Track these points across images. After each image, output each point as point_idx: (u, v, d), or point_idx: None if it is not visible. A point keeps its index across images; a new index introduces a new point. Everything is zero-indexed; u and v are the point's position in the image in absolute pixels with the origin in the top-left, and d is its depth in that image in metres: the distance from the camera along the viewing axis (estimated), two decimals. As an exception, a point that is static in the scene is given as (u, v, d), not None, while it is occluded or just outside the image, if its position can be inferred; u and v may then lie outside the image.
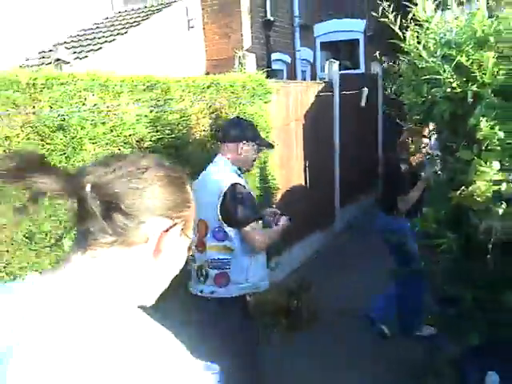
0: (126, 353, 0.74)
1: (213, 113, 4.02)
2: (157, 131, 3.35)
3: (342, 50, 11.07)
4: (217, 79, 4.11)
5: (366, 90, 7.17)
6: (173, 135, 3.49)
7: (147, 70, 3.70)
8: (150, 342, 0.78)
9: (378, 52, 2.87)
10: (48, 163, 0.84)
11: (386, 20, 2.47)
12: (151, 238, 0.87)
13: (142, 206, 0.86)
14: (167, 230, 0.89)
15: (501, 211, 2.03)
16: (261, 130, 3.69)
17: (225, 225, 2.60)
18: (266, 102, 4.76)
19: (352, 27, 10.52)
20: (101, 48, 6.69)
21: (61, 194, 0.82)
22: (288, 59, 9.80)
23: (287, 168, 5.69)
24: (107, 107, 2.99)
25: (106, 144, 2.99)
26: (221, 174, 2.67)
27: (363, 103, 7.06)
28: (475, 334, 2.46)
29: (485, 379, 2.59)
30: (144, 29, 7.32)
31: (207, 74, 6.85)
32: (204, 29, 8.49)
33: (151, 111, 3.34)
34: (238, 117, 3.15)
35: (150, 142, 3.29)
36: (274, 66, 9.03)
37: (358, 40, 10.70)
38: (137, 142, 3.21)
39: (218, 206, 2.58)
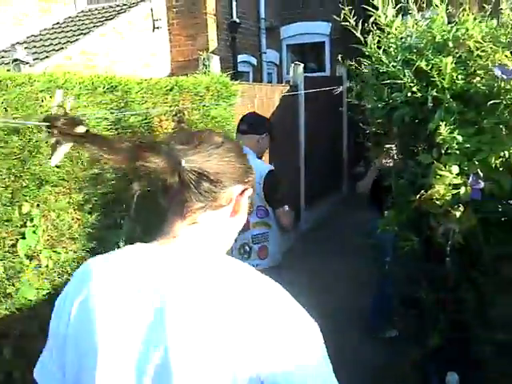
0: (251, 289, 0.96)
1: (176, 115, 3.97)
2: (118, 134, 3.28)
3: (308, 53, 11.15)
4: (180, 81, 4.06)
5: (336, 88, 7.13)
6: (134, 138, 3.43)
7: (111, 70, 3.63)
8: (259, 278, 1.00)
9: (340, 55, 2.86)
10: (157, 144, 0.98)
11: (348, 24, 2.47)
12: (232, 200, 1.06)
13: (224, 175, 1.02)
14: (241, 194, 1.07)
15: (458, 214, 2.06)
16: (226, 133, 3.72)
17: (266, 203, 2.98)
18: (230, 105, 4.72)
19: (318, 30, 10.60)
20: (62, 48, 6.54)
21: (163, 171, 0.96)
22: (254, 61, 9.80)
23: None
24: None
25: (65, 147, 2.90)
26: (254, 159, 2.93)
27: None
28: (436, 334, 2.49)
29: (445, 379, 2.63)
30: (108, 29, 7.20)
31: (172, 75, 6.78)
32: (169, 30, 8.41)
33: (112, 113, 3.27)
34: (255, 112, 3.57)
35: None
36: (240, 68, 9.03)
37: (323, 43, 10.79)
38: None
39: (261, 187, 2.93)
